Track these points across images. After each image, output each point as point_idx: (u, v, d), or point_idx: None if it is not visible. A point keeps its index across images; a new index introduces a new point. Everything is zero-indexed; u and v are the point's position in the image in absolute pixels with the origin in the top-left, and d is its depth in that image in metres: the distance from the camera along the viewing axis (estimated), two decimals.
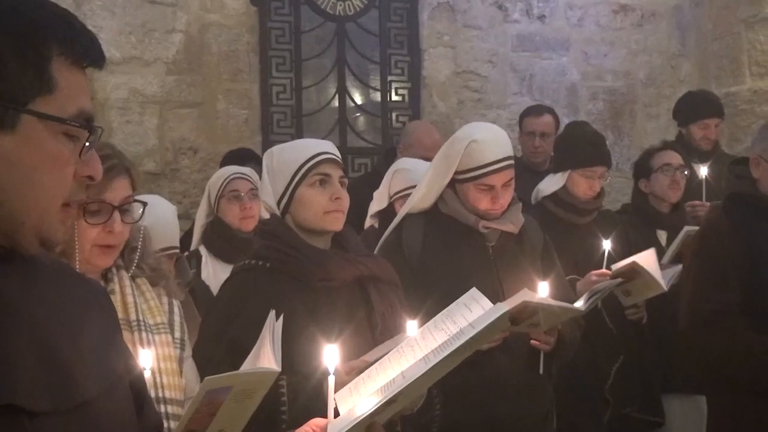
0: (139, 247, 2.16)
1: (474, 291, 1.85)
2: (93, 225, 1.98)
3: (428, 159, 4.50)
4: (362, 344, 2.40)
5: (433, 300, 2.53)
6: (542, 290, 2.78)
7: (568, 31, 6.39)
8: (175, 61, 5.66)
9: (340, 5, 6.05)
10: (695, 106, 4.93)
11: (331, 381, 1.62)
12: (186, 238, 4.02)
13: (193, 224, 4.11)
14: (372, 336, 2.49)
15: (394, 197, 3.79)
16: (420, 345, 1.66)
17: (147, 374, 1.90)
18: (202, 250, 3.82)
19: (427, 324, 1.84)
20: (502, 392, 2.89)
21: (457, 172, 2.99)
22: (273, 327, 2.04)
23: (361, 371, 2.13)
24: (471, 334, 1.63)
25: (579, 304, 2.90)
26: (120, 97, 5.54)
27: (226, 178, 3.85)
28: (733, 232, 3.07)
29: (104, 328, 1.31)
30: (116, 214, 2.00)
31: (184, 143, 5.70)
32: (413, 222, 3.08)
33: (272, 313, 2.09)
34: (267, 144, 5.82)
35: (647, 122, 6.56)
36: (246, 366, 1.95)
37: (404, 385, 1.59)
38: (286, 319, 2.21)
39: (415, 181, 3.87)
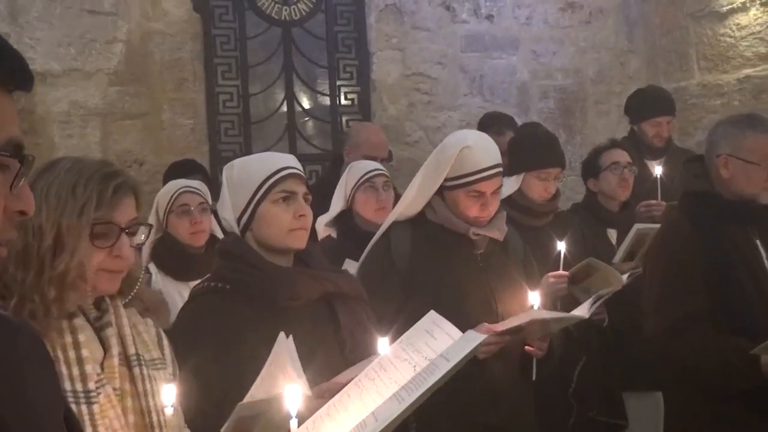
0: (142, 276, 2.00)
1: (433, 314, 1.78)
2: (100, 249, 1.81)
3: (376, 158, 4.53)
4: (332, 363, 2.34)
5: (424, 308, 2.47)
6: (534, 299, 2.80)
7: (517, 30, 6.36)
8: (117, 72, 5.51)
9: (286, 10, 5.94)
10: (647, 104, 4.93)
11: (294, 424, 1.53)
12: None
13: None
14: (342, 354, 2.43)
15: (356, 187, 3.82)
16: (382, 378, 1.58)
17: (169, 411, 1.80)
18: (152, 267, 3.73)
19: (385, 353, 1.76)
20: (494, 399, 2.86)
21: (447, 179, 2.95)
22: (288, 347, 1.95)
23: (334, 393, 2.07)
24: (446, 368, 1.54)
25: (582, 310, 2.91)
26: (61, 110, 5.37)
27: (175, 192, 3.75)
28: (695, 235, 3.05)
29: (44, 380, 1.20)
30: (124, 237, 1.83)
31: (129, 156, 5.55)
32: (401, 229, 3.03)
33: (282, 335, 2.00)
34: (215, 154, 5.72)
35: (598, 119, 6.56)
36: (255, 393, 1.85)
37: (381, 428, 1.50)
38: (251, 344, 2.12)
39: (371, 167, 3.86)
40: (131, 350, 1.87)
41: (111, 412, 1.76)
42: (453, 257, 2.98)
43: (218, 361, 2.24)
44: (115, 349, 1.83)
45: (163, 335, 2.04)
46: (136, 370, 1.85)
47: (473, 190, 2.92)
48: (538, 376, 2.91)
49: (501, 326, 2.69)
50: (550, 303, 3.38)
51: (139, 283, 1.97)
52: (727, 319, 2.94)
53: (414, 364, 1.59)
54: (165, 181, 4.83)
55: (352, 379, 2.07)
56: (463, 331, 2.69)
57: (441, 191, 2.98)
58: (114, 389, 1.80)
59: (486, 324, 2.74)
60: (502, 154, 3.04)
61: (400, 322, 2.65)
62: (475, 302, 2.91)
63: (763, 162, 3.04)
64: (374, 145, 4.76)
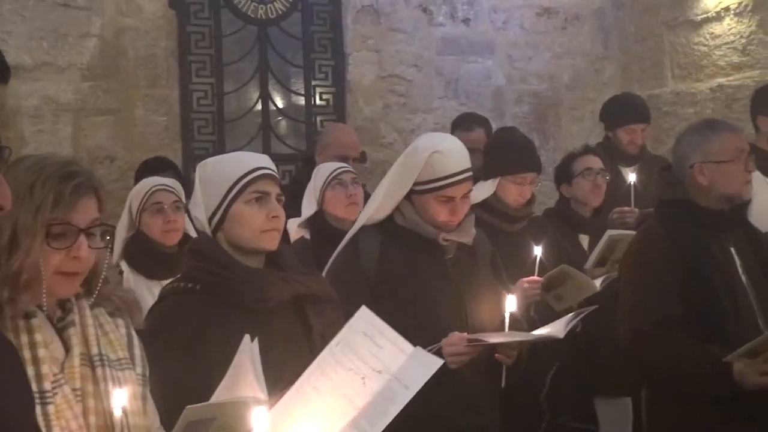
0: (103, 275, 1.96)
1: (366, 313, 1.73)
2: (56, 250, 1.77)
3: (347, 157, 4.55)
4: (302, 367, 2.29)
5: (393, 314, 2.45)
6: (510, 304, 2.80)
7: (493, 34, 6.37)
8: (90, 67, 5.44)
9: (262, 9, 5.90)
10: (622, 111, 4.95)
11: None
12: None
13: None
14: (313, 357, 2.37)
15: (324, 187, 3.83)
16: (328, 387, 1.53)
17: (118, 413, 1.76)
18: (123, 265, 3.68)
19: (323, 356, 1.72)
20: (462, 405, 2.84)
21: (416, 183, 2.92)
22: (251, 351, 1.92)
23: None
24: (407, 397, 1.49)
25: (557, 328, 2.86)
26: (32, 104, 5.28)
27: (149, 190, 3.71)
28: (671, 242, 3.07)
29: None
30: (82, 238, 1.80)
31: (101, 152, 5.48)
32: (369, 234, 3.00)
33: (247, 337, 1.98)
34: (188, 151, 5.67)
35: (572, 125, 6.58)
36: (225, 396, 1.82)
37: None
38: (220, 345, 2.09)
39: (337, 165, 3.85)
40: (94, 350, 1.84)
41: (68, 413, 1.73)
42: (422, 263, 2.96)
43: (187, 362, 2.21)
44: (77, 349, 1.81)
45: (134, 335, 2.00)
46: (99, 371, 1.82)
47: (443, 195, 2.89)
48: (507, 383, 2.89)
49: (473, 338, 2.68)
50: (524, 308, 3.38)
51: (101, 282, 1.93)
52: (700, 327, 2.96)
53: (362, 375, 1.55)
54: (137, 179, 4.79)
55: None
56: (435, 338, 2.69)
57: (410, 195, 2.96)
58: (74, 390, 1.77)
59: (457, 333, 2.73)
60: (470, 150, 3.03)
61: None
62: (445, 308, 2.90)
63: (734, 156, 3.09)
64: (345, 145, 4.75)
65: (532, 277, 3.54)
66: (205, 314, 2.31)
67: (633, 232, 3.78)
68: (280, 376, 2.27)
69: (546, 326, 2.99)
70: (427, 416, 2.73)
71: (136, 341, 1.98)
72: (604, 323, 3.90)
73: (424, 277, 2.93)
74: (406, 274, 2.92)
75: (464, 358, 2.70)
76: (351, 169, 3.96)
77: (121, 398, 1.77)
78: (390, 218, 3.00)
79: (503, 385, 2.87)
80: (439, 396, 2.70)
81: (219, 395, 1.86)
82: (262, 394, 1.75)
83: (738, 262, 3.10)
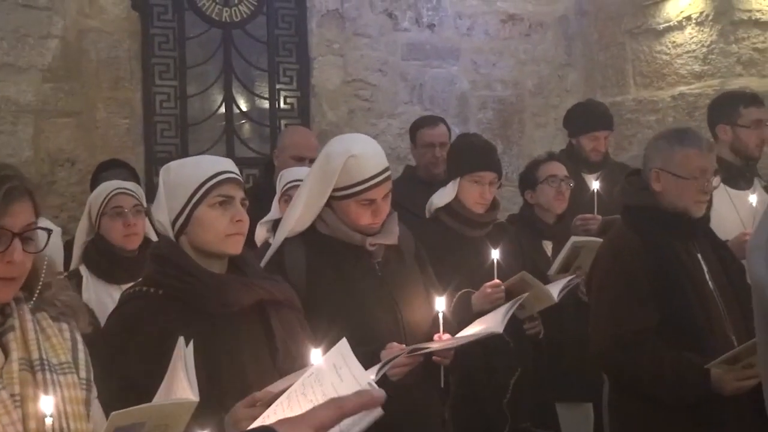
0: (42, 278, 1.93)
1: (343, 346, 1.71)
2: None
3: (304, 158, 4.59)
4: (264, 372, 2.31)
5: (328, 324, 2.47)
6: (439, 304, 2.77)
7: (458, 40, 6.38)
8: (51, 68, 5.37)
9: (226, 11, 5.87)
10: (585, 118, 4.97)
11: None
12: (64, 256, 3.79)
13: (72, 241, 3.89)
14: (274, 363, 2.39)
15: (279, 198, 3.85)
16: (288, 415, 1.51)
17: (48, 421, 1.73)
18: (83, 270, 3.63)
19: (294, 387, 1.71)
20: (408, 409, 2.78)
21: (335, 189, 2.88)
22: (184, 355, 1.90)
23: (265, 403, 2.03)
24: None
25: (494, 322, 2.83)
26: None
27: (109, 194, 3.65)
28: (643, 247, 3.07)
29: None
30: (16, 242, 1.77)
31: (62, 154, 5.42)
32: (294, 245, 2.94)
33: (181, 340, 1.97)
34: (150, 155, 5.62)
35: (535, 131, 6.61)
36: (158, 399, 1.80)
37: None
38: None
39: (300, 174, 3.83)
40: (35, 355, 1.81)
41: (5, 418, 1.71)
42: (351, 270, 2.92)
43: (147, 366, 2.18)
44: (15, 354, 1.78)
45: (79, 339, 1.98)
46: (40, 375, 1.80)
47: (364, 198, 2.86)
48: (446, 382, 2.88)
49: (411, 349, 2.65)
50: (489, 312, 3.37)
51: (41, 287, 1.91)
52: (674, 333, 2.97)
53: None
54: (92, 181, 4.75)
55: (286, 389, 2.04)
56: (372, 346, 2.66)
57: (330, 202, 2.92)
58: (12, 395, 1.75)
59: (395, 344, 2.70)
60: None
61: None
62: (379, 314, 2.87)
63: (692, 176, 3.09)
64: (300, 146, 4.76)
65: (494, 281, 3.54)
66: (166, 319, 2.29)
67: (597, 239, 3.80)
68: (243, 381, 2.27)
69: (481, 320, 2.95)
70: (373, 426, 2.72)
71: (80, 345, 1.96)
72: (566, 329, 3.95)
73: (355, 285, 2.90)
74: (336, 284, 2.88)
75: (405, 369, 2.66)
76: None
77: (48, 405, 1.75)
78: (312, 228, 2.96)
79: (442, 385, 2.85)
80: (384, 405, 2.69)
81: (157, 399, 1.84)
82: (193, 395, 1.73)
83: (705, 268, 3.11)
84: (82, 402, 1.88)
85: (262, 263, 2.99)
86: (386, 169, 2.91)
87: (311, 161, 4.67)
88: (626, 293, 3.05)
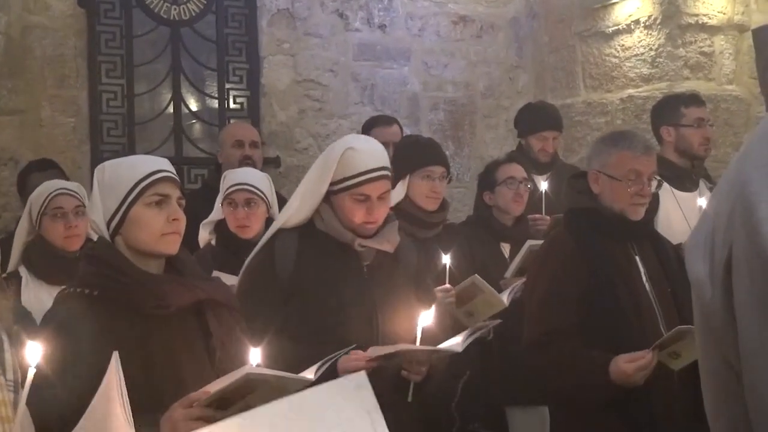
0: None
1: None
2: None
3: (243, 143, 4.69)
4: (201, 373, 2.28)
5: (305, 320, 2.49)
6: (425, 319, 2.71)
7: (409, 41, 6.37)
8: None
9: (175, 9, 5.80)
10: (534, 119, 5.00)
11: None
12: (3, 257, 3.71)
13: (7, 240, 3.81)
14: (211, 364, 2.36)
15: (222, 201, 3.79)
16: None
17: None
18: (23, 271, 3.58)
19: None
20: None
21: (332, 182, 2.87)
22: (114, 362, 1.89)
23: (202, 404, 2.01)
24: None
25: (457, 341, 2.77)
26: None
27: (50, 194, 3.59)
28: (577, 250, 3.10)
29: None
30: None
31: (5, 153, 5.32)
32: (286, 238, 2.93)
33: (115, 355, 1.94)
34: (96, 153, 5.53)
35: (486, 132, 6.62)
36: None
37: None
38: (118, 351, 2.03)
39: (246, 176, 3.78)
40: None
41: None
42: (339, 269, 2.90)
43: (80, 369, 2.14)
44: None
45: (5, 340, 1.91)
46: None
47: (358, 193, 2.85)
48: (414, 397, 2.83)
49: (372, 353, 2.62)
50: (441, 317, 3.35)
51: None
52: (602, 334, 2.97)
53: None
54: (20, 181, 4.66)
55: (221, 389, 2.02)
56: (343, 347, 2.63)
57: (328, 198, 2.91)
58: None
59: (360, 352, 2.66)
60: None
61: (275, 336, 2.61)
62: (355, 317, 2.85)
63: (625, 178, 3.11)
64: (237, 133, 4.82)
65: (444, 285, 3.52)
66: (100, 320, 2.25)
67: None
68: (180, 381, 2.24)
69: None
70: None
71: (6, 345, 1.90)
72: (516, 332, 3.94)
73: (337, 284, 2.88)
74: (320, 280, 2.87)
75: (360, 365, 2.61)
76: (248, 188, 3.77)
77: None
78: (310, 222, 2.95)
79: (409, 399, 2.82)
80: None
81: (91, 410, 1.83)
82: (127, 416, 1.74)
83: (642, 270, 3.13)
84: (9, 404, 1.83)
85: (253, 251, 3.00)
86: (384, 168, 2.89)
87: (252, 144, 4.70)
88: (548, 295, 3.07)
